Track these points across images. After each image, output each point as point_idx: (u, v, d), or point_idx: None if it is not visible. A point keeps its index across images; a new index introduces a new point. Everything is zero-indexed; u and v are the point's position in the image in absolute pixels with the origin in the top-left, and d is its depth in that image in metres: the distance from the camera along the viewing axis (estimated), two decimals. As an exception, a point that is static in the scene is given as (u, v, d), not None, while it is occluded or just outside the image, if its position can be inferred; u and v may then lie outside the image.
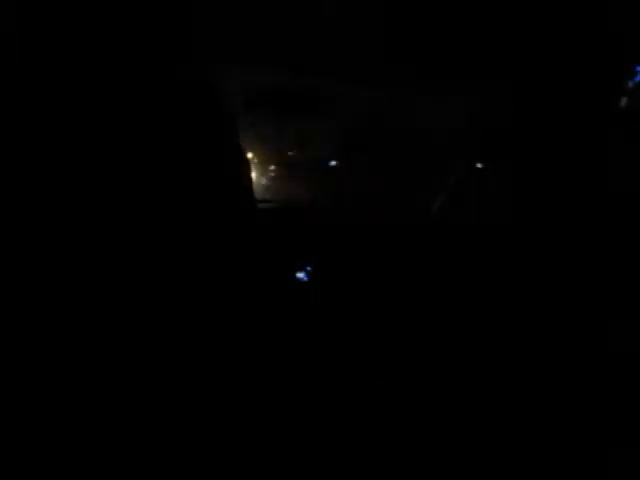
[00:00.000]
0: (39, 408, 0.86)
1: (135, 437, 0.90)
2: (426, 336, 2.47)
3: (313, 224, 2.74)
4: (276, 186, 2.84)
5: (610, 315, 2.20)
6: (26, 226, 0.95)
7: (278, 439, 1.01)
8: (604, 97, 2.25)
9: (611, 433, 2.02)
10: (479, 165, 2.53)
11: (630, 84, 2.26)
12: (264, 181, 2.75)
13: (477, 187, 2.58)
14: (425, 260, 2.69)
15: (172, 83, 1.13)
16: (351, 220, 2.87)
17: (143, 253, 0.98)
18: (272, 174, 2.76)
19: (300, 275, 2.57)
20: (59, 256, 0.95)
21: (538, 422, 2.12)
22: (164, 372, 0.95)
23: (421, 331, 2.51)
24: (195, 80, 1.14)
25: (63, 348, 0.89)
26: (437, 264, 2.68)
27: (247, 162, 1.23)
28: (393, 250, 2.71)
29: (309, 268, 2.59)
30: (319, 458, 1.28)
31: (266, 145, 2.58)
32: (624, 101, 2.32)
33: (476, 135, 2.51)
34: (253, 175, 2.62)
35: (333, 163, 2.86)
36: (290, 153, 2.67)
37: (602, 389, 2.10)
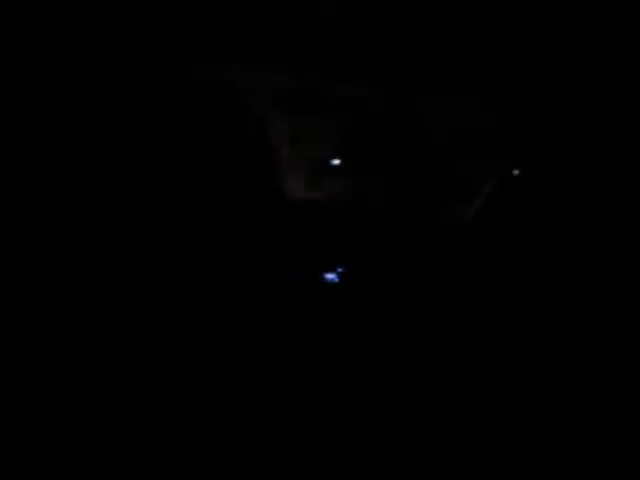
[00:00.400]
0: (39, 407, 0.86)
1: (135, 436, 0.90)
2: (426, 336, 2.47)
3: (325, 224, 2.74)
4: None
5: (610, 316, 2.20)
6: (27, 225, 0.95)
7: (278, 439, 1.01)
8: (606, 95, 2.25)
9: (610, 433, 2.02)
10: (516, 171, 2.51)
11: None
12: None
13: (513, 191, 2.56)
14: (424, 261, 2.69)
15: (193, 84, 1.13)
16: (351, 221, 2.86)
17: (166, 250, 0.98)
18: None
19: (331, 276, 2.56)
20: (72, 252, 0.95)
21: (537, 422, 2.12)
22: (169, 368, 0.95)
23: (421, 331, 2.51)
24: (224, 81, 1.14)
25: (69, 340, 0.89)
26: (437, 265, 2.68)
27: (276, 162, 1.21)
28: (392, 252, 2.71)
29: (340, 269, 2.58)
30: (319, 458, 1.28)
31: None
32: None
33: (509, 139, 2.49)
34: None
35: (335, 162, 2.86)
36: (287, 152, 2.66)
37: (601, 389, 2.10)
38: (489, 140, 2.63)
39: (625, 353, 2.12)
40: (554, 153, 2.37)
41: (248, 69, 2.22)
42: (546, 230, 2.42)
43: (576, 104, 2.30)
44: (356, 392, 2.11)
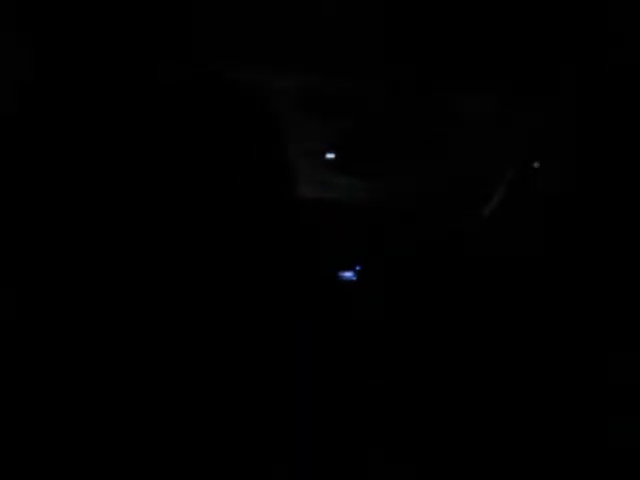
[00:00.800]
0: (39, 408, 0.86)
1: (135, 437, 0.90)
2: (426, 335, 2.47)
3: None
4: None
5: (611, 317, 2.20)
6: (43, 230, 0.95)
7: (278, 439, 1.01)
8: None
9: (610, 434, 2.02)
10: (536, 164, 2.44)
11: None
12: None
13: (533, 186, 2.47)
14: (423, 259, 2.69)
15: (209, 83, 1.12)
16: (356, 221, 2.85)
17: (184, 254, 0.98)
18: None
19: (348, 274, 2.54)
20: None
21: (538, 423, 2.12)
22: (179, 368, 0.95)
23: (421, 330, 2.50)
24: (224, 81, 1.14)
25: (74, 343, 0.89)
26: (435, 263, 2.67)
27: (290, 163, 1.21)
28: (399, 252, 2.70)
29: (358, 267, 2.55)
30: (319, 458, 1.28)
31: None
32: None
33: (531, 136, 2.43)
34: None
35: (330, 156, 2.84)
36: (288, 151, 2.66)
37: (602, 390, 2.10)
38: (496, 138, 2.62)
39: (625, 353, 2.12)
40: (563, 151, 2.36)
41: (248, 69, 2.22)
42: (555, 230, 2.41)
43: (578, 101, 2.30)
44: (356, 392, 2.10)
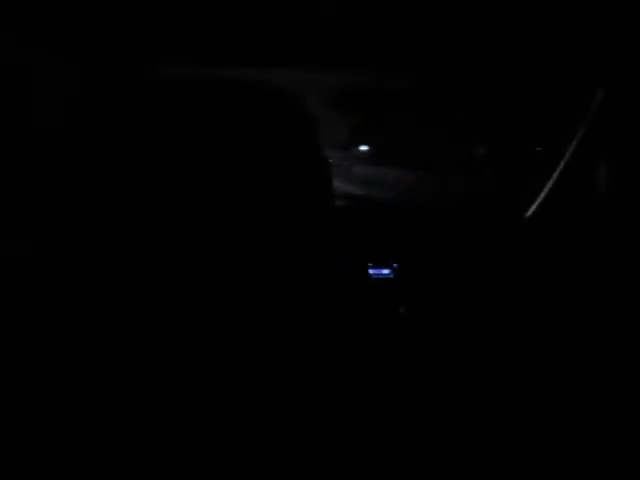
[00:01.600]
0: (38, 408, 0.86)
1: (134, 437, 0.90)
2: (426, 335, 2.46)
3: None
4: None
5: (610, 315, 2.20)
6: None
7: (278, 439, 1.01)
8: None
9: (610, 434, 2.03)
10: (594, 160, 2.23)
11: None
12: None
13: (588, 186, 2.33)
14: (424, 257, 2.68)
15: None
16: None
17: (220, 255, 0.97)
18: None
19: (385, 272, 2.50)
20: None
21: (538, 423, 2.12)
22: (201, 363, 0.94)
23: (421, 330, 2.50)
24: (224, 81, 1.13)
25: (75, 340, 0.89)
26: (436, 262, 2.67)
27: (326, 162, 1.20)
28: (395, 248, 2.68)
29: (395, 265, 2.50)
30: (319, 458, 1.28)
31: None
32: None
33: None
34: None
35: (363, 148, 2.81)
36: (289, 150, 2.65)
37: (602, 390, 2.10)
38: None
39: (626, 353, 2.12)
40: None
41: (248, 69, 2.22)
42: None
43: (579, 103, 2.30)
44: (356, 392, 2.10)
